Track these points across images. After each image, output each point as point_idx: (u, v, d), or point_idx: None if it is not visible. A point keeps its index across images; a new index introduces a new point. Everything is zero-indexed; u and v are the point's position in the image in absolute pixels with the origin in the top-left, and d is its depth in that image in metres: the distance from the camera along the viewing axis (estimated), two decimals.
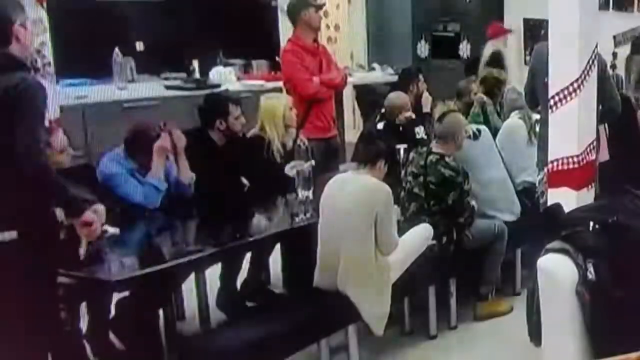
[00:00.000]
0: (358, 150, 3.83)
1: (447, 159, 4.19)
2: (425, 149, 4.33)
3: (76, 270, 3.21)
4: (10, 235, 2.82)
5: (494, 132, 4.97)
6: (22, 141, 2.73)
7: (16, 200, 2.82)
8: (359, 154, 3.78)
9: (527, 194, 4.78)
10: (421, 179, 4.17)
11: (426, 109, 5.64)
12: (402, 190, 4.25)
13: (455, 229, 4.19)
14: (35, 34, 2.96)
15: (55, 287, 3.12)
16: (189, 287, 4.14)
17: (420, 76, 5.70)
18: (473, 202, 4.27)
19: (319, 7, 5.20)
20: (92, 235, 3.09)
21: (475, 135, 4.52)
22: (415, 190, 4.19)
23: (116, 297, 3.68)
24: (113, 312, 3.71)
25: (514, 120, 5.11)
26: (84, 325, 3.68)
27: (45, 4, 5.36)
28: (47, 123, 3.05)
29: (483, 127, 4.73)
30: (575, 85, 3.65)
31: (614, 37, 7.81)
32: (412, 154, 4.40)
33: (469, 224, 4.24)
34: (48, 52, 5.48)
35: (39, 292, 2.98)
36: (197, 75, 6.87)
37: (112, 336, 3.67)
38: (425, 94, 5.72)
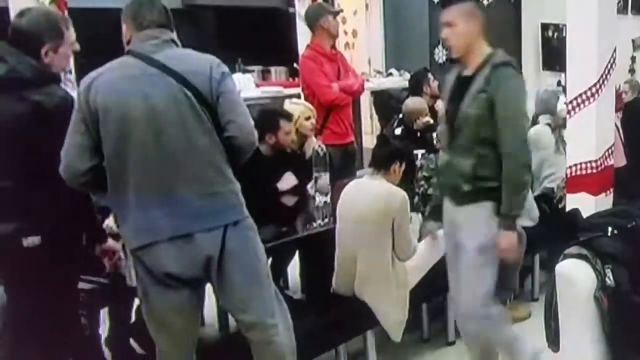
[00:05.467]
0: (374, 155, 3.85)
1: None
2: (432, 155, 4.36)
3: (98, 276, 3.26)
4: (34, 241, 2.86)
5: None
6: (54, 153, 2.73)
7: (43, 207, 2.86)
8: (374, 157, 3.80)
9: (546, 199, 4.77)
10: (434, 180, 4.18)
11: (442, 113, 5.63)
12: (416, 196, 4.26)
13: None
14: (70, 52, 3.02)
15: (76, 292, 3.17)
16: (208, 293, 4.17)
17: (430, 75, 5.71)
18: None
19: (337, 14, 5.23)
20: (112, 261, 3.16)
21: None
22: (430, 191, 4.20)
23: (137, 302, 3.72)
24: (133, 317, 3.74)
25: (541, 127, 5.07)
26: (103, 331, 3.71)
27: (66, 12, 5.44)
28: None
29: None
30: (594, 89, 3.65)
31: (633, 40, 7.76)
32: (421, 161, 4.43)
33: None
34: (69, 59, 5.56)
35: (61, 297, 3.02)
36: None
37: (132, 342, 3.71)
38: (440, 100, 5.70)
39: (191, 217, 2.66)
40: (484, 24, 3.19)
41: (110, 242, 3.12)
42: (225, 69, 2.78)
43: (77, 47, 3.09)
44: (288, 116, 4.37)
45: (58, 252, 2.89)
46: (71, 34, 3.00)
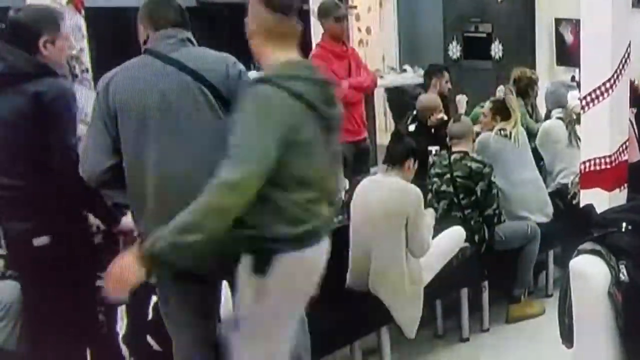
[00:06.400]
0: (388, 151, 3.86)
1: (470, 154, 4.26)
2: (444, 151, 4.39)
3: None
4: (43, 240, 2.90)
5: (527, 133, 4.95)
6: (55, 147, 2.81)
7: (48, 206, 2.90)
8: (388, 154, 3.81)
9: (560, 195, 4.76)
10: (448, 175, 4.20)
11: (461, 109, 5.64)
12: (429, 193, 4.27)
13: (485, 224, 4.20)
14: (66, 47, 3.06)
15: (91, 290, 3.21)
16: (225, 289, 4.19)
17: (445, 72, 5.70)
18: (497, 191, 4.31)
19: (338, 19, 5.22)
20: (131, 240, 3.17)
21: (509, 136, 4.52)
22: (443, 187, 4.22)
23: (154, 299, 3.75)
24: (151, 314, 3.77)
25: (554, 121, 5.06)
26: (120, 328, 3.75)
27: (83, 11, 5.49)
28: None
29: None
30: (608, 85, 3.63)
31: None
32: (432, 158, 4.45)
33: (498, 217, 4.24)
34: (86, 58, 5.60)
35: (74, 295, 3.06)
36: None
37: (149, 338, 3.74)
38: (460, 95, 5.72)
39: None
40: (269, 26, 2.57)
41: (124, 221, 3.12)
42: (242, 67, 2.81)
43: (73, 44, 3.13)
44: None
45: (68, 250, 2.94)
46: (67, 29, 3.08)
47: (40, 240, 2.91)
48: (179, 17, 2.82)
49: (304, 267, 2.48)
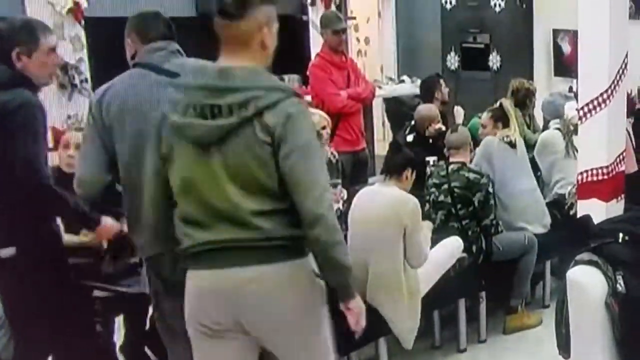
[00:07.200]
0: (386, 162, 3.87)
1: (468, 165, 4.27)
2: (442, 162, 4.40)
3: (112, 284, 3.29)
4: (9, 251, 2.90)
5: (525, 144, 4.96)
6: (16, 158, 2.78)
7: (13, 216, 2.89)
8: (386, 164, 3.82)
9: (557, 205, 4.77)
10: (445, 186, 4.21)
11: (459, 120, 5.65)
12: (427, 203, 4.28)
13: (483, 235, 4.20)
14: (49, 60, 3.03)
15: (89, 300, 3.20)
16: None
17: (441, 81, 5.72)
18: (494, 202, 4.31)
19: (336, 32, 5.25)
20: (110, 234, 3.17)
21: (512, 144, 4.53)
22: (441, 198, 4.23)
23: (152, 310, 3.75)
24: (148, 325, 3.77)
25: (552, 132, 5.08)
26: (117, 339, 3.75)
27: (82, 22, 5.51)
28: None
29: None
30: (605, 96, 3.65)
31: None
32: (430, 168, 4.46)
33: (495, 227, 4.25)
34: (85, 68, 5.61)
35: (70, 305, 3.05)
36: None
37: (146, 349, 3.74)
38: (457, 107, 5.73)
39: None
40: None
41: (104, 222, 3.11)
42: None
43: (58, 60, 3.12)
44: None
45: (36, 260, 2.92)
46: (50, 44, 3.00)
47: (6, 252, 2.90)
48: (167, 29, 2.85)
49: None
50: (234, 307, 2.31)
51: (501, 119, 4.75)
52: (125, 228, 3.04)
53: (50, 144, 3.16)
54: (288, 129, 2.18)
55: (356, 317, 2.51)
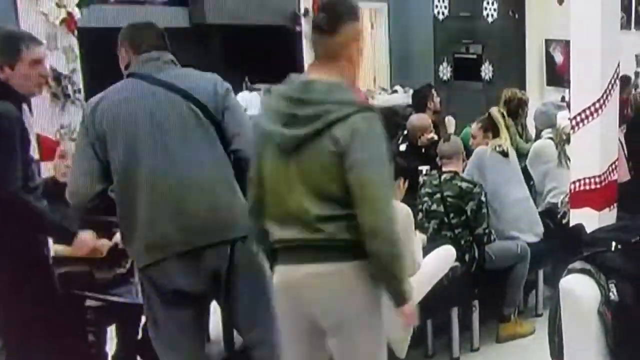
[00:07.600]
0: None
1: (460, 174, 4.28)
2: (434, 171, 4.42)
3: (104, 293, 3.28)
4: None
5: (517, 153, 4.98)
6: None
7: None
8: None
9: (550, 214, 4.78)
10: (438, 195, 4.21)
11: (451, 129, 5.66)
12: (419, 212, 4.28)
13: (475, 244, 4.21)
14: (32, 73, 3.01)
15: (81, 310, 3.18)
16: (213, 309, 4.18)
17: (433, 91, 5.74)
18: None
19: None
20: (87, 249, 3.15)
21: (505, 153, 4.55)
22: (434, 207, 4.23)
23: (144, 319, 3.74)
24: (140, 334, 3.76)
25: (544, 141, 5.09)
26: (110, 348, 3.73)
27: (76, 32, 5.50)
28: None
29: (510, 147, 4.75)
30: (597, 105, 3.67)
31: (636, 56, 7.79)
32: (422, 177, 4.47)
33: (488, 236, 4.25)
34: (78, 78, 5.60)
35: (62, 315, 3.04)
36: None
37: (139, 359, 3.72)
38: (449, 117, 5.74)
39: (200, 232, 2.69)
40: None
41: (81, 236, 3.09)
42: (228, 85, 2.83)
43: (45, 71, 3.11)
44: None
45: (21, 271, 2.91)
46: (34, 55, 2.99)
47: None
48: (161, 40, 2.84)
49: None
50: (300, 300, 2.47)
51: (491, 128, 4.76)
52: (119, 239, 3.03)
53: (36, 155, 3.11)
54: (354, 142, 2.31)
55: (410, 319, 2.67)
